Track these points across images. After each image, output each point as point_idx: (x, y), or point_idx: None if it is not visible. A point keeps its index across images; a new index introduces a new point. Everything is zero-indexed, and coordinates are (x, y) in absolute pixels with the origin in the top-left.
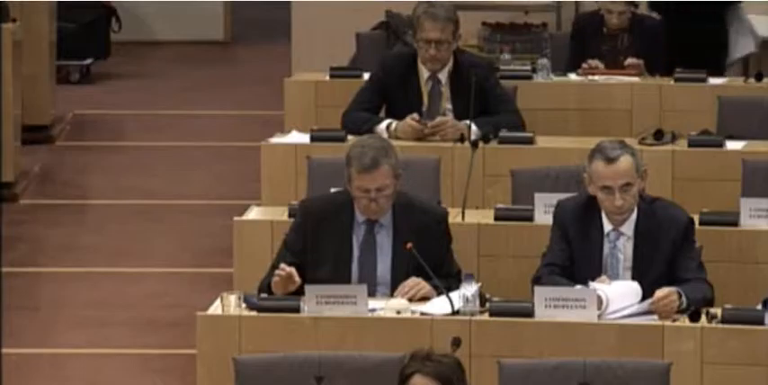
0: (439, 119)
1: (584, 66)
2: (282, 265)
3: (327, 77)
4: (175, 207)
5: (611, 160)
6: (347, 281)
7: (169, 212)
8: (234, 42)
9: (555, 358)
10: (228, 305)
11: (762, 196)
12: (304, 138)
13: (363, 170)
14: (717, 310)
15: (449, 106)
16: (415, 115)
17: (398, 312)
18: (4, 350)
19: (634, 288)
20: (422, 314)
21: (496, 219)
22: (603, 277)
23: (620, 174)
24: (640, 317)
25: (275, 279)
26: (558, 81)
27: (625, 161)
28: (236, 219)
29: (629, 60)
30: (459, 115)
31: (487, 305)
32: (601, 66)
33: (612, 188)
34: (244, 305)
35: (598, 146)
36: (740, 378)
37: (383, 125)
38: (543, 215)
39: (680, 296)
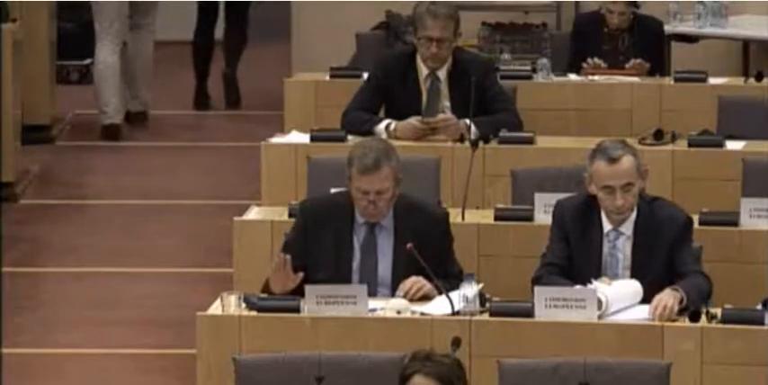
0: (442, 115)
1: (585, 65)
2: (279, 254)
3: (327, 77)
4: (175, 207)
5: (612, 160)
6: (348, 282)
7: (169, 212)
8: None
9: (555, 358)
10: (228, 305)
11: (762, 196)
12: (304, 138)
13: (364, 171)
14: (717, 310)
15: (447, 104)
16: (419, 117)
17: (398, 312)
18: (4, 350)
19: (635, 288)
20: (422, 314)
21: (496, 219)
22: (605, 278)
23: (622, 174)
24: (640, 317)
25: (272, 267)
26: (558, 81)
27: (627, 161)
28: (236, 219)
29: (634, 61)
30: (458, 113)
31: (487, 305)
32: (603, 65)
33: (614, 188)
34: (244, 305)
35: (599, 146)
36: (740, 378)
37: (382, 125)
38: (543, 215)
39: (677, 291)
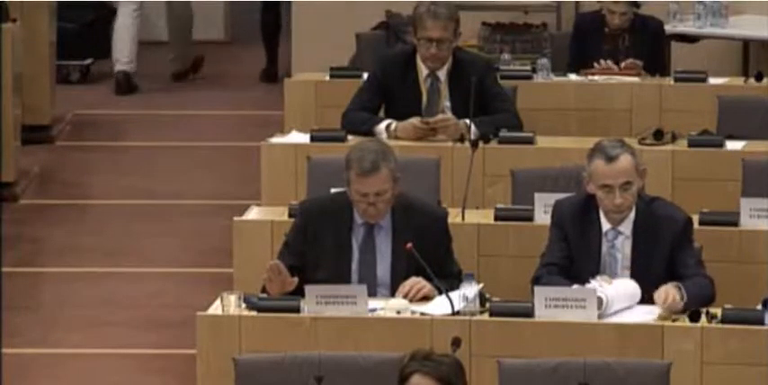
0: (441, 115)
1: (597, 66)
2: (270, 262)
3: (327, 77)
4: (175, 207)
5: (611, 159)
6: (347, 282)
7: (169, 212)
8: (234, 42)
9: (555, 358)
10: (228, 305)
11: (762, 196)
12: (304, 138)
13: (363, 174)
14: (717, 310)
15: (447, 104)
16: (419, 118)
17: (398, 312)
18: (4, 350)
19: (634, 288)
20: (422, 314)
21: (496, 219)
22: (605, 276)
23: (620, 173)
24: (640, 317)
25: (264, 276)
26: (558, 81)
27: (625, 160)
28: (236, 219)
29: (627, 61)
30: (458, 113)
31: (487, 305)
32: (615, 67)
33: (612, 187)
34: (244, 305)
35: (598, 145)
36: (740, 378)
37: (383, 125)
38: (543, 215)
39: (679, 289)
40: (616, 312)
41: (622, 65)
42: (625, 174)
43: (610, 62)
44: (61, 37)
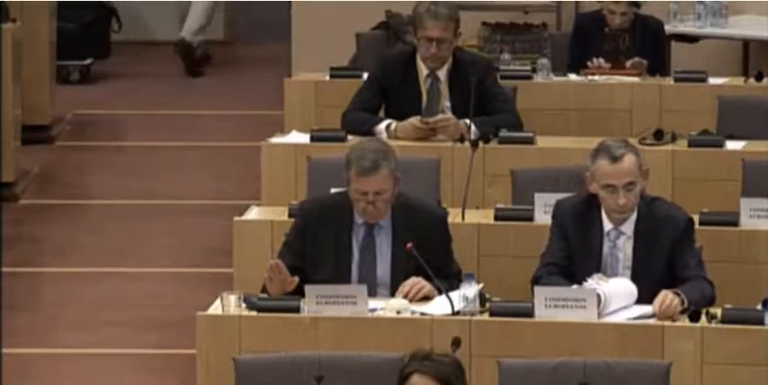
0: (441, 115)
1: (590, 64)
2: (271, 261)
3: (327, 77)
4: (175, 207)
5: (615, 159)
6: (347, 283)
7: (169, 212)
8: (234, 42)
9: (555, 358)
10: (228, 305)
11: (762, 196)
12: (304, 138)
13: (363, 173)
14: (717, 310)
15: (447, 104)
16: (419, 117)
17: (398, 312)
18: (4, 350)
19: (631, 288)
20: (422, 314)
21: (496, 219)
22: (600, 275)
23: (625, 173)
24: (642, 316)
25: (265, 275)
26: (558, 81)
27: (629, 160)
28: (236, 219)
29: (633, 60)
30: (458, 113)
31: (487, 305)
32: (606, 65)
33: (616, 186)
34: (244, 305)
35: (602, 144)
36: (740, 378)
37: (383, 125)
38: (543, 215)
39: (678, 295)
40: (614, 311)
41: (628, 63)
42: (629, 175)
43: (602, 61)
44: (61, 37)
